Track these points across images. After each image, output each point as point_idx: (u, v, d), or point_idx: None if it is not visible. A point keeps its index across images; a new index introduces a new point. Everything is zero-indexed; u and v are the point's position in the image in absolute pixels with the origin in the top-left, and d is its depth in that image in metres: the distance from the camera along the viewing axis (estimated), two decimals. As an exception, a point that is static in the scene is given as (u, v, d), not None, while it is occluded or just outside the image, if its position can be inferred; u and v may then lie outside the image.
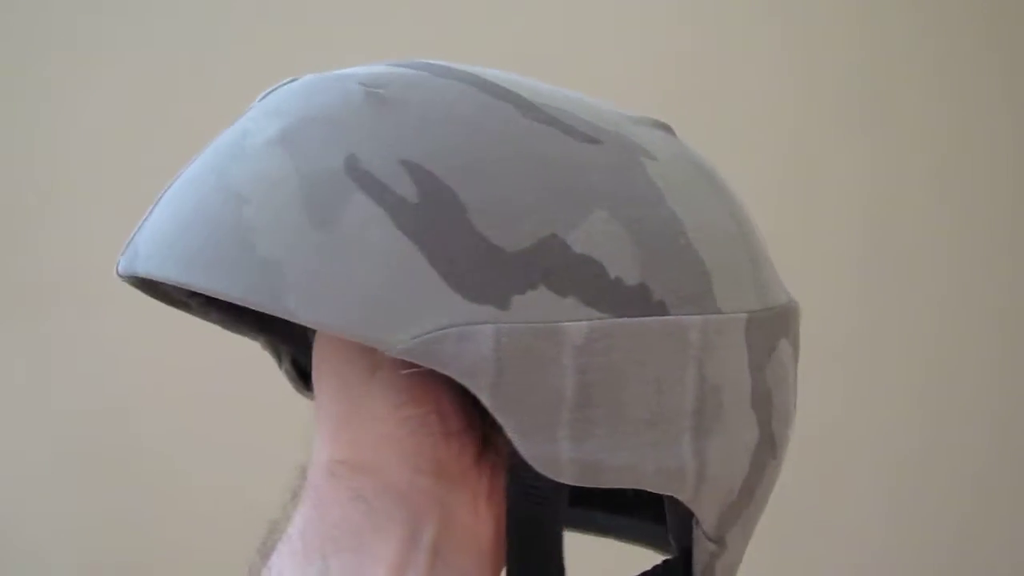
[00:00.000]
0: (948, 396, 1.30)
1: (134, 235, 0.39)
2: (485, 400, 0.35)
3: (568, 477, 0.37)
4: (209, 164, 0.39)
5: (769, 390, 0.41)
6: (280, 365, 0.51)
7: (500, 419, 0.35)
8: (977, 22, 1.33)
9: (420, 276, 0.35)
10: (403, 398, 0.39)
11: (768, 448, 0.41)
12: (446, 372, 0.35)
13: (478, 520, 0.40)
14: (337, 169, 0.36)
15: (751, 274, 0.41)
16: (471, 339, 0.35)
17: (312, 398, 0.43)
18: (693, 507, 0.39)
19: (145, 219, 0.40)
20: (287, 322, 0.36)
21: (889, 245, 1.30)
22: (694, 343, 0.38)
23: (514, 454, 0.36)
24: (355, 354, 0.39)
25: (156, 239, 0.38)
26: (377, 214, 0.36)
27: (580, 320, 0.36)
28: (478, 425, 0.40)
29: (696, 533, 0.40)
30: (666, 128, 0.43)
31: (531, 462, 0.36)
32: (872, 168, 1.30)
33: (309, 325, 0.35)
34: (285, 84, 0.41)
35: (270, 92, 0.41)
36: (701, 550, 0.41)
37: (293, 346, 0.50)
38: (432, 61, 0.41)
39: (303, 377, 0.50)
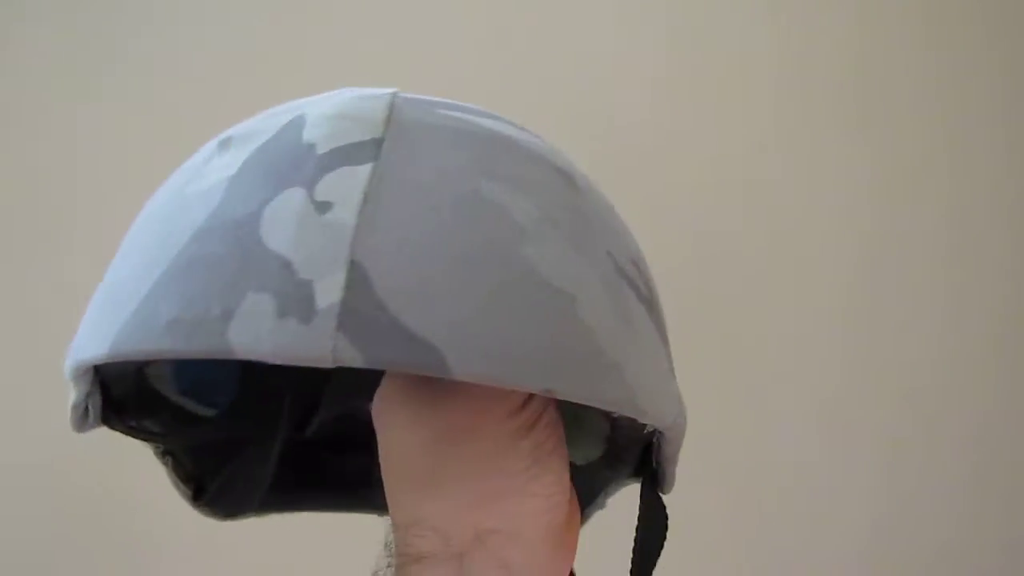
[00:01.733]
0: (944, 398, 1.30)
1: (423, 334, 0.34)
2: (671, 465, 0.44)
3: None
4: (500, 255, 0.36)
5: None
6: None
7: (669, 471, 0.45)
8: (978, 25, 1.33)
9: (667, 363, 0.41)
10: (555, 478, 0.41)
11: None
12: (674, 444, 0.43)
13: None
14: (611, 268, 0.39)
15: None
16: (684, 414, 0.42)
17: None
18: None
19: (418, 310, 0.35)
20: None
21: (888, 247, 1.30)
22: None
23: None
24: (544, 436, 0.41)
25: (472, 339, 0.34)
26: (641, 310, 0.40)
27: None
28: None
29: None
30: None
31: (666, 491, 0.45)
32: (870, 169, 1.30)
33: (646, 420, 0.38)
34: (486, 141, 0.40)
35: (475, 146, 0.39)
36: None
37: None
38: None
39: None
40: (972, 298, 1.31)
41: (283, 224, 0.35)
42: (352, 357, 0.33)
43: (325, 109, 0.39)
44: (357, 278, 0.34)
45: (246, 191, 0.37)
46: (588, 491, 0.51)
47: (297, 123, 0.39)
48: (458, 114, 0.40)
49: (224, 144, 0.40)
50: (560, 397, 0.35)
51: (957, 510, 1.29)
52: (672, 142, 1.27)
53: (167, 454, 0.50)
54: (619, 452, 0.51)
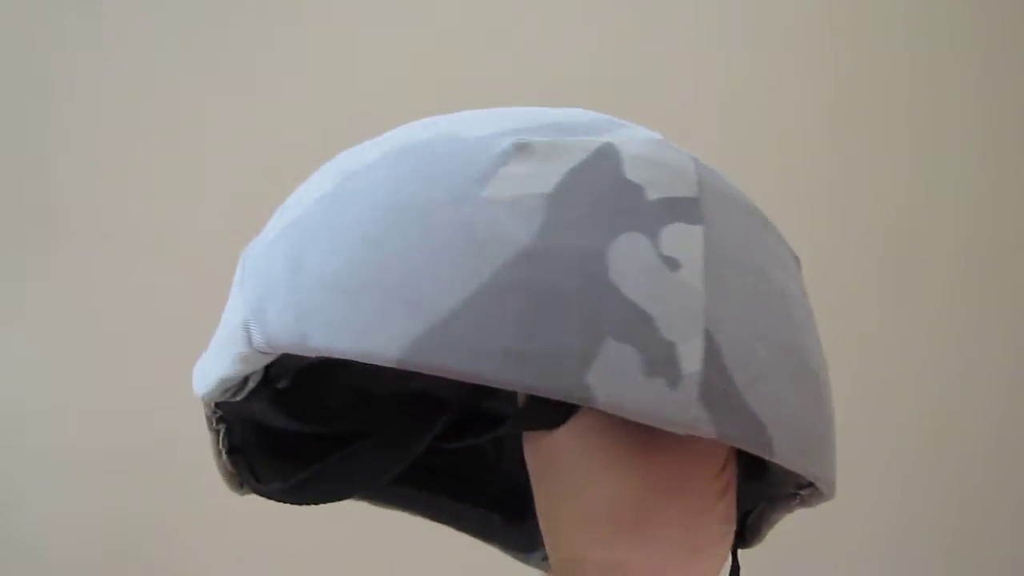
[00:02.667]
0: (961, 398, 1.31)
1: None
2: (770, 527, 0.47)
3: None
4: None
5: None
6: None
7: (765, 531, 0.47)
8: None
9: None
10: (729, 542, 0.41)
11: None
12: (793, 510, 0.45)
13: None
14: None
15: None
16: None
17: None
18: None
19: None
20: None
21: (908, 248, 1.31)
22: None
23: None
24: (731, 500, 0.41)
25: (789, 425, 0.37)
26: None
27: None
28: None
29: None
30: None
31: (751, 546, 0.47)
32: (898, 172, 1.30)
33: (830, 495, 0.40)
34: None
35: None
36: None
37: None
38: None
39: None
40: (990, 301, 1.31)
41: (634, 271, 0.35)
42: (708, 429, 0.35)
43: (635, 148, 0.39)
44: (711, 349, 0.35)
45: (576, 219, 0.36)
46: None
47: (610, 154, 0.38)
48: (724, 179, 0.41)
49: (522, 150, 0.38)
50: (811, 479, 0.38)
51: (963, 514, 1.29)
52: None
53: (222, 421, 0.48)
54: None
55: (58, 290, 1.19)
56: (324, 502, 0.50)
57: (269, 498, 0.47)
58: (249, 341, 0.38)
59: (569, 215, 0.36)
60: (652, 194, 0.37)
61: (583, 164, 0.38)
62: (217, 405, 0.46)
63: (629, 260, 0.35)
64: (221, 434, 0.47)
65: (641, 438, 0.38)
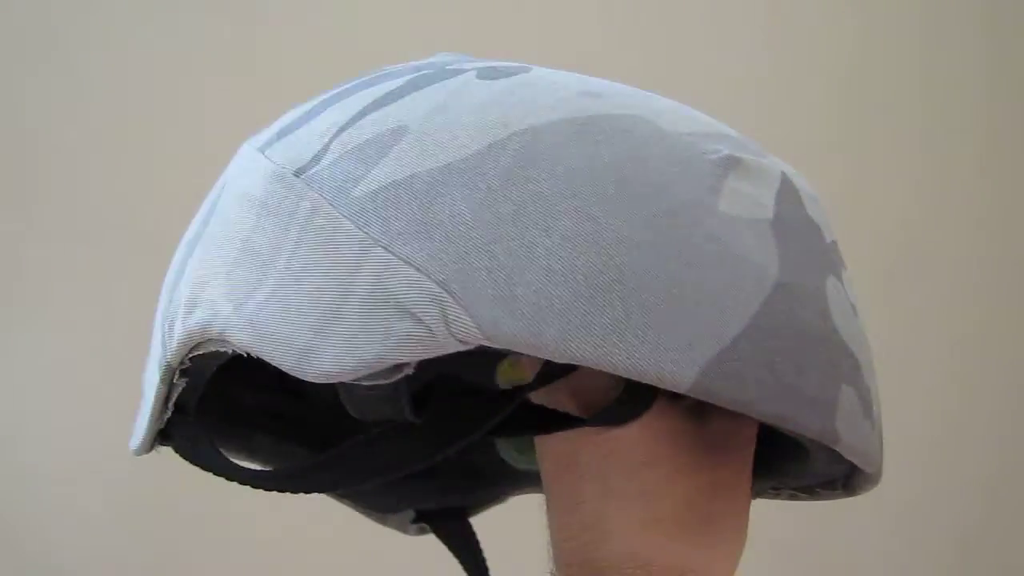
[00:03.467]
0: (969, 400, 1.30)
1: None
2: None
3: None
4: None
5: None
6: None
7: None
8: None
9: None
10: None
11: None
12: None
13: None
14: None
15: None
16: None
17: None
18: None
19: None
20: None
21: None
22: None
23: None
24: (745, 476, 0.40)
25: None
26: None
27: None
28: None
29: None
30: None
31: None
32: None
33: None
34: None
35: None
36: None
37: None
38: None
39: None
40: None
41: (842, 315, 0.36)
42: (880, 468, 0.39)
43: (799, 181, 0.38)
44: (878, 394, 0.39)
45: (797, 255, 0.35)
46: None
47: (790, 184, 0.37)
48: None
49: (735, 165, 0.35)
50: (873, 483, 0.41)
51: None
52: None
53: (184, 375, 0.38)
54: None
55: (90, 288, 1.15)
56: (330, 491, 0.46)
57: (244, 483, 0.38)
58: (445, 321, 0.32)
59: (791, 249, 0.35)
60: (827, 235, 0.38)
61: (781, 193, 0.36)
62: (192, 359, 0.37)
63: (836, 303, 0.36)
64: (177, 390, 0.38)
65: (705, 439, 0.38)
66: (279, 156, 0.36)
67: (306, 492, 0.39)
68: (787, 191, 0.37)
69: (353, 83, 0.38)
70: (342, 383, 0.36)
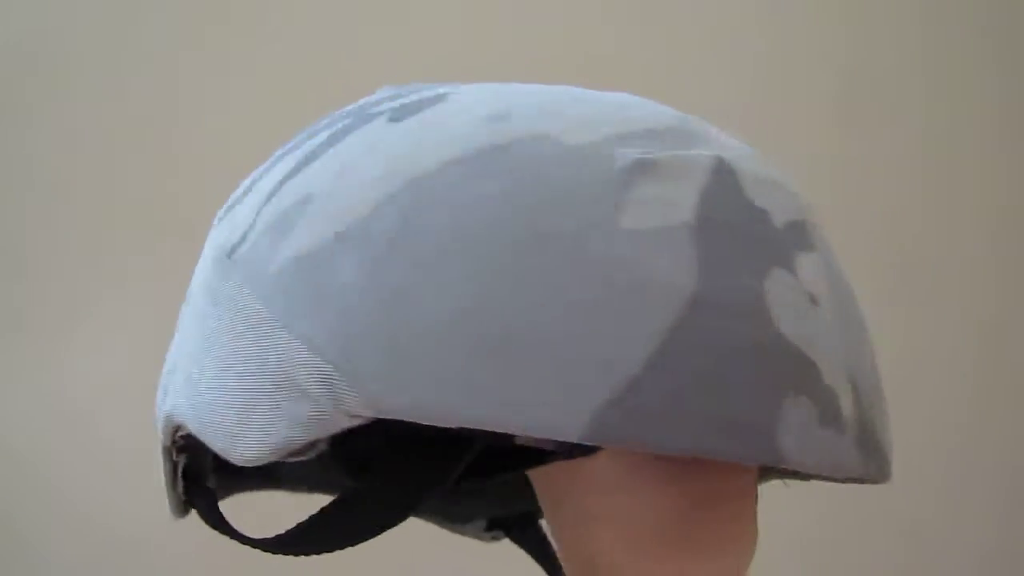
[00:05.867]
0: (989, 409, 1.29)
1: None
2: None
3: None
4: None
5: None
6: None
7: None
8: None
9: None
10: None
11: None
12: None
13: None
14: None
15: None
16: None
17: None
18: None
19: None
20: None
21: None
22: None
23: None
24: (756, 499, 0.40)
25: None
26: None
27: None
28: None
29: None
30: None
31: None
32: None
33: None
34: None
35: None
36: None
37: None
38: None
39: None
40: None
41: (790, 313, 0.33)
42: (861, 471, 0.34)
43: (745, 164, 0.35)
44: (855, 388, 0.34)
45: (726, 255, 0.32)
46: None
47: (727, 171, 0.34)
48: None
49: (647, 169, 0.33)
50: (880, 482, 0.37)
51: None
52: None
53: (183, 451, 0.41)
54: None
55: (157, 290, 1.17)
56: (323, 552, 0.44)
57: (255, 547, 0.39)
58: (335, 401, 0.31)
59: (718, 250, 0.32)
60: (777, 219, 0.34)
61: (710, 186, 0.33)
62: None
63: (783, 300, 0.33)
64: (179, 467, 0.40)
65: (682, 457, 0.36)
66: (222, 235, 0.37)
67: (298, 556, 0.39)
68: (719, 182, 0.34)
69: (297, 138, 0.39)
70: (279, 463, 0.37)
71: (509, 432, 0.30)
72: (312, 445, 0.33)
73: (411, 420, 0.31)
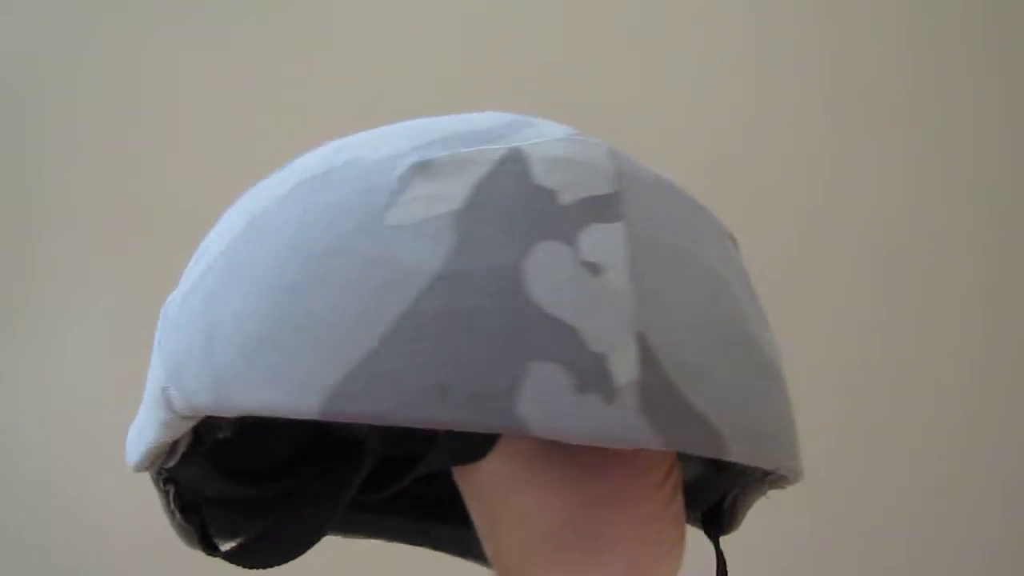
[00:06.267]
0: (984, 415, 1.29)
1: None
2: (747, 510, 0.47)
3: None
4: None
5: None
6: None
7: (741, 514, 0.47)
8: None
9: None
10: (684, 545, 0.41)
11: None
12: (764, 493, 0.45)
13: None
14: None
15: None
16: None
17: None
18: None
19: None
20: None
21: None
22: None
23: None
24: (680, 502, 0.40)
25: (741, 421, 0.36)
26: None
27: None
28: None
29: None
30: None
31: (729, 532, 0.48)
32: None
33: (797, 480, 0.40)
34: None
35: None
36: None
37: None
38: None
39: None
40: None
41: (553, 283, 0.33)
42: (654, 440, 0.32)
43: (544, 150, 0.36)
44: (646, 353, 0.33)
45: (489, 235, 0.34)
46: None
47: (518, 160, 0.36)
48: (644, 166, 0.39)
49: (423, 169, 0.35)
50: (783, 473, 0.37)
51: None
52: (665, 140, 1.26)
53: (169, 482, 0.45)
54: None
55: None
56: (271, 566, 0.47)
57: (225, 559, 0.44)
58: (170, 406, 0.36)
59: (481, 232, 0.34)
60: (566, 197, 0.35)
61: (490, 175, 0.35)
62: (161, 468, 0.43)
63: (547, 272, 0.33)
64: (171, 495, 0.44)
65: (578, 455, 0.37)
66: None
67: (254, 567, 0.45)
68: (502, 171, 0.35)
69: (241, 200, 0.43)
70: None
71: (268, 414, 0.33)
72: (176, 446, 0.40)
73: (215, 415, 0.35)
